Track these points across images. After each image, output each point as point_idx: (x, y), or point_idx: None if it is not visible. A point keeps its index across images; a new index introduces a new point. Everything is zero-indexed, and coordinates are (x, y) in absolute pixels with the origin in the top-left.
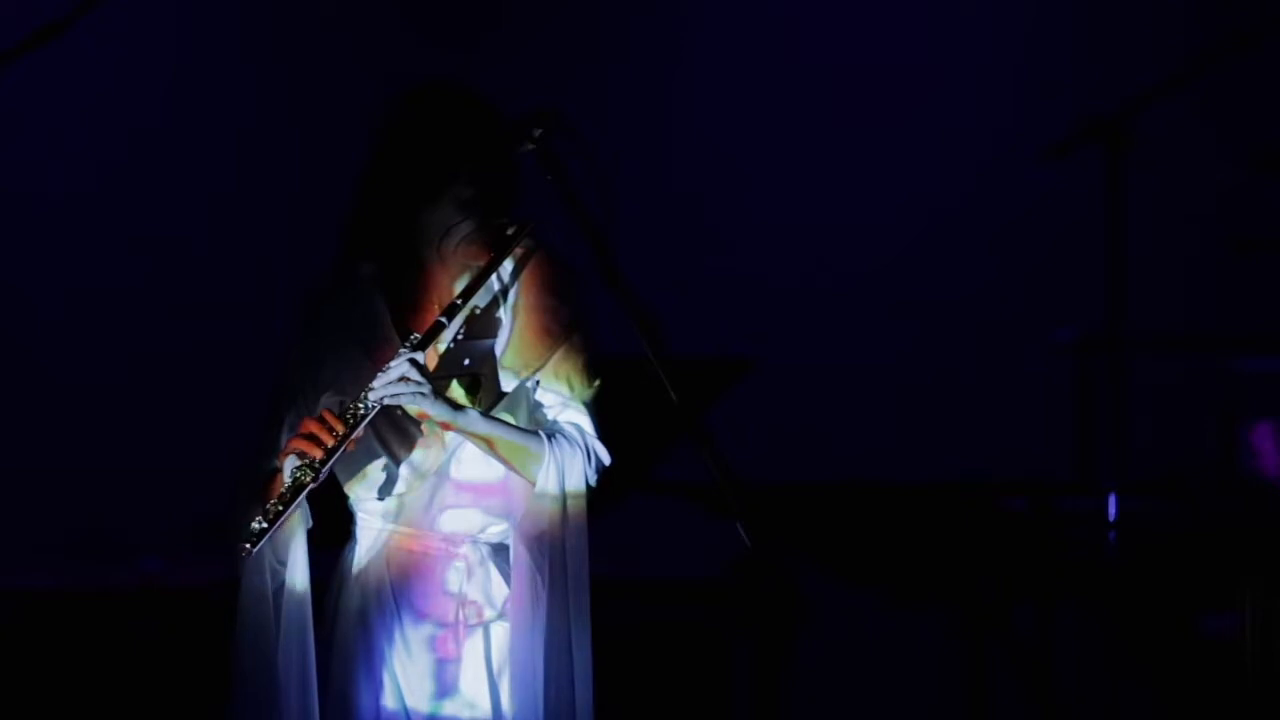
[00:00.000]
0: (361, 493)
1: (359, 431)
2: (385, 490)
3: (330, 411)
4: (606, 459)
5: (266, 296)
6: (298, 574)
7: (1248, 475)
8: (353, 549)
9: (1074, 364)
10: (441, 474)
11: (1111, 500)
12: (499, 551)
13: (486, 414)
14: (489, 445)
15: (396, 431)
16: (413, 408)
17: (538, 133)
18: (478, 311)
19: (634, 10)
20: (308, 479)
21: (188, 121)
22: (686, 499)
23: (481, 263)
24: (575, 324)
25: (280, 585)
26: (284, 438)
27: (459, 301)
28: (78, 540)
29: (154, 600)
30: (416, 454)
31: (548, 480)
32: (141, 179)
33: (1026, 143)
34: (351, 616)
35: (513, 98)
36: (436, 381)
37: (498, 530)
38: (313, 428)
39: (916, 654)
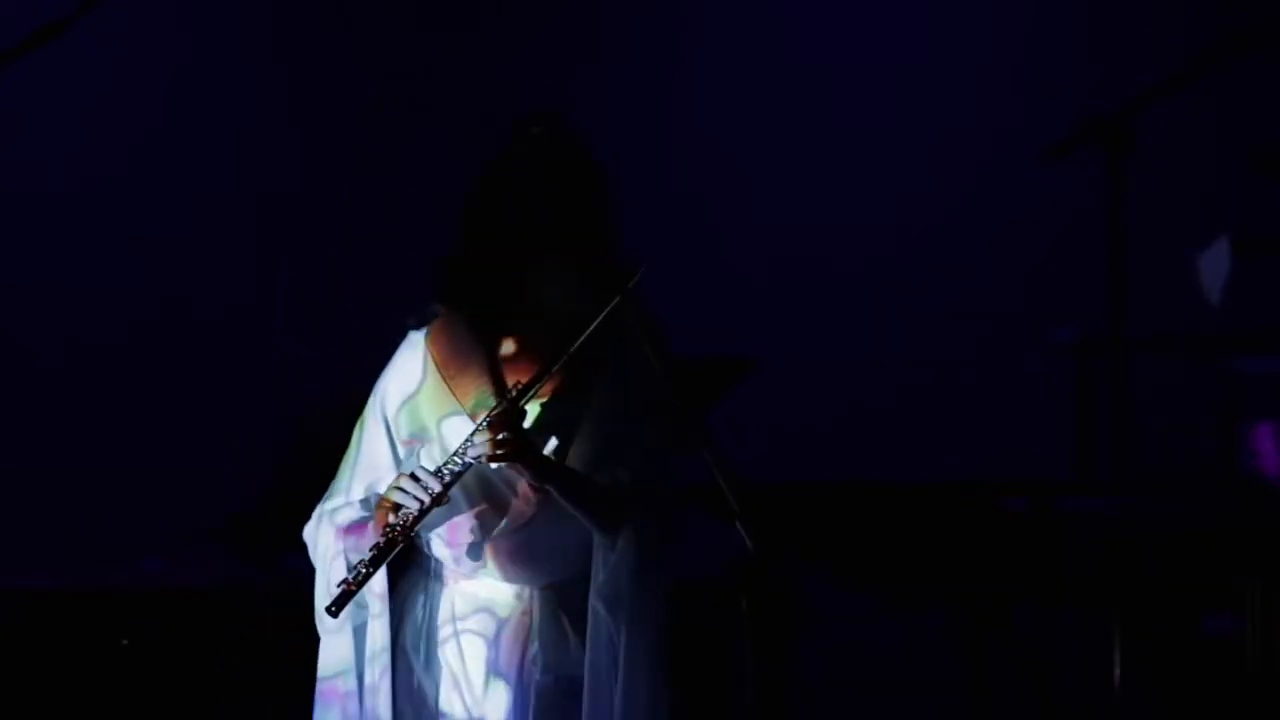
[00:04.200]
0: (433, 535)
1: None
2: (453, 531)
3: (424, 469)
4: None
5: (266, 296)
6: (380, 619)
7: (1248, 475)
8: (420, 582)
9: (1074, 364)
10: (522, 534)
11: (1111, 500)
12: (567, 599)
13: (576, 474)
14: (575, 504)
15: (472, 477)
16: (508, 466)
17: (537, 132)
18: (572, 371)
19: (634, 10)
20: (399, 539)
21: (188, 121)
22: (687, 499)
23: (581, 318)
24: (664, 401)
25: (363, 623)
26: (356, 483)
27: (558, 357)
28: (78, 540)
29: (154, 600)
30: (498, 509)
31: (628, 545)
32: (142, 179)
33: (1026, 143)
34: (414, 652)
35: (513, 98)
36: (532, 438)
37: (568, 579)
38: (407, 484)
39: (916, 654)
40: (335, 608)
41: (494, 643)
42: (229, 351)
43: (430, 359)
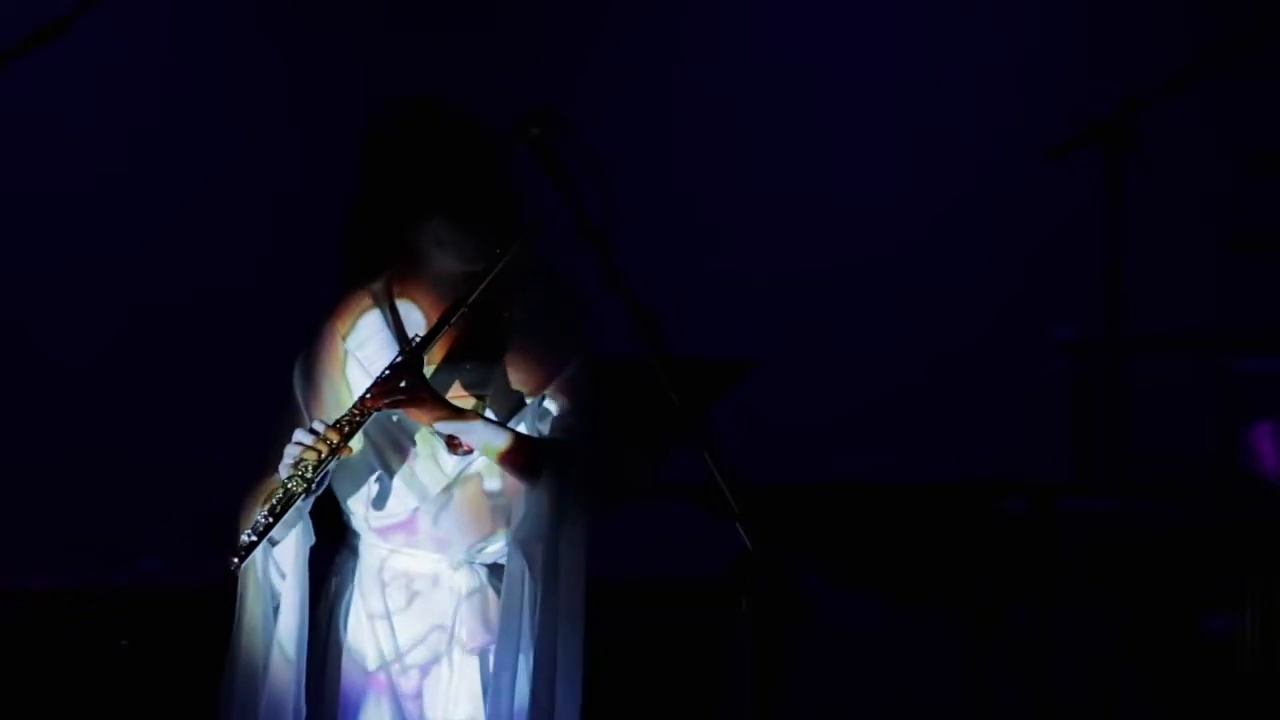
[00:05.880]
0: (360, 510)
1: (354, 440)
2: (379, 503)
3: (322, 421)
4: (620, 475)
5: (266, 297)
6: (295, 591)
7: (1248, 475)
8: (349, 563)
9: (1074, 364)
10: (445, 496)
11: (1111, 500)
12: (497, 574)
13: (485, 419)
14: (489, 450)
15: (391, 444)
16: (413, 413)
17: (535, 132)
18: (474, 327)
19: (635, 10)
20: (299, 489)
21: (187, 121)
22: (687, 500)
23: (478, 277)
24: (578, 344)
25: (277, 605)
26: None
27: (456, 309)
28: (78, 540)
29: (154, 600)
30: (420, 474)
31: (547, 487)
32: (141, 178)
33: (1026, 143)
34: (344, 632)
35: (512, 98)
36: (436, 389)
37: (495, 551)
38: (304, 436)
39: (916, 654)
40: (237, 559)
41: (421, 618)
42: (229, 352)
43: (338, 334)
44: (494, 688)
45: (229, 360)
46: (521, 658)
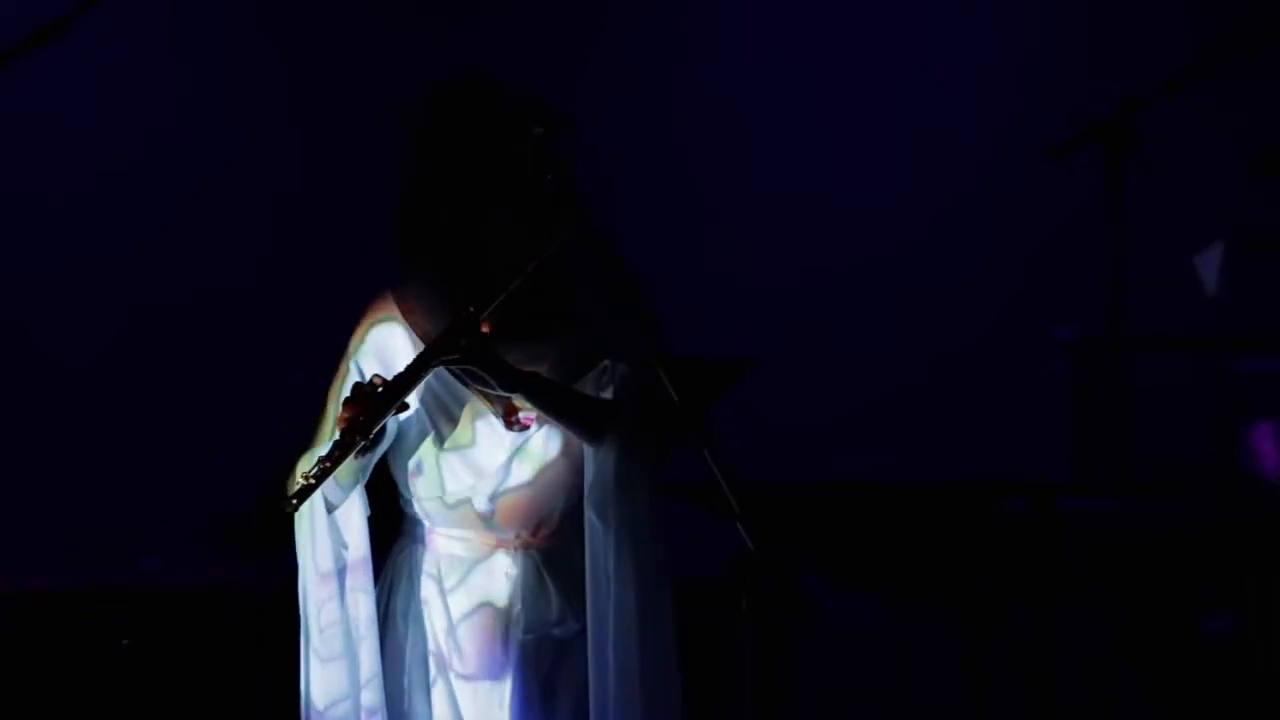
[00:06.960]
0: (417, 490)
1: (411, 398)
2: (435, 482)
3: (381, 376)
4: (672, 435)
5: (266, 297)
6: (360, 563)
7: (1248, 475)
8: (407, 549)
9: (1074, 364)
10: (503, 472)
11: (1111, 500)
12: (551, 560)
13: (544, 379)
14: (549, 409)
15: (446, 417)
16: (472, 375)
17: (538, 131)
18: (532, 301)
19: (635, 9)
20: (355, 441)
21: (187, 121)
22: (687, 500)
23: (532, 252)
24: (635, 315)
25: (343, 567)
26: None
27: (514, 277)
28: (78, 540)
29: (154, 600)
30: (477, 452)
31: (612, 446)
32: (142, 179)
33: (1027, 143)
34: (403, 619)
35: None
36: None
37: (549, 531)
38: (361, 389)
39: (916, 654)
40: (296, 500)
41: (479, 603)
42: (229, 352)
43: (398, 310)
44: (595, 662)
45: (229, 360)
46: (615, 629)
